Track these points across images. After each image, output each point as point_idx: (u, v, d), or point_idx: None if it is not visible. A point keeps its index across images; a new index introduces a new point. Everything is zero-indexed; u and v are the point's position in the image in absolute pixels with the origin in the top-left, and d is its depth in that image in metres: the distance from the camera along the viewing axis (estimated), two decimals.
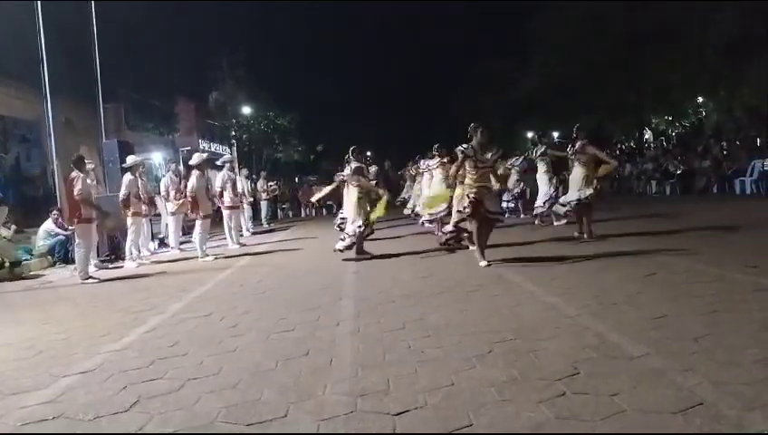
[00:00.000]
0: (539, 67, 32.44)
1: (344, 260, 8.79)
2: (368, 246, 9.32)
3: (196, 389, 3.36)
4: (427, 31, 62.26)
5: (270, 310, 5.52)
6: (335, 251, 8.87)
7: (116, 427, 2.89)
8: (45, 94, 12.89)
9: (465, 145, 7.37)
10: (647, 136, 34.82)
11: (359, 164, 9.36)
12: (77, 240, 8.97)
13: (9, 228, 11.28)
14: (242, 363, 3.81)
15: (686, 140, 29.20)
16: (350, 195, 9.53)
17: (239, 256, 10.89)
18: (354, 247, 8.97)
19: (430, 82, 59.84)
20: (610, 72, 28.16)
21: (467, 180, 7.42)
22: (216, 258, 10.41)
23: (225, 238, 12.89)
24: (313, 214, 26.64)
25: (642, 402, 2.71)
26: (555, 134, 33.72)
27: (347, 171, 9.57)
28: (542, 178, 12.13)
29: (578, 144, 9.38)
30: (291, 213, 26.79)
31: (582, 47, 28.51)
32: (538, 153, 12.27)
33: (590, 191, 9.09)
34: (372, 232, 9.39)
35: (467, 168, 7.38)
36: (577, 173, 9.32)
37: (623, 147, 34.86)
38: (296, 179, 34.05)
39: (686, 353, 3.35)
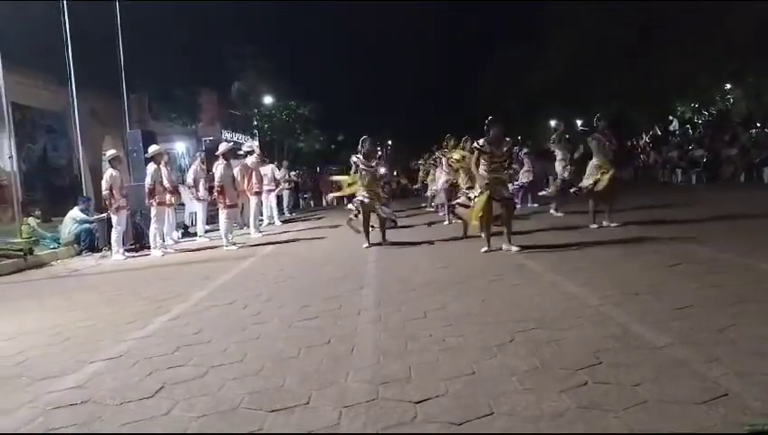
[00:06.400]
0: (558, 53, 31.95)
1: (365, 248, 8.83)
2: (387, 234, 9.38)
3: (219, 375, 3.41)
4: (445, 20, 61.75)
5: (292, 298, 5.57)
6: (365, 247, 8.93)
7: (142, 412, 2.95)
8: (71, 85, 13.07)
9: (480, 141, 7.61)
10: (672, 124, 34.15)
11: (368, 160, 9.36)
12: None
13: (37, 218, 11.52)
14: (265, 351, 3.85)
15: (712, 128, 28.58)
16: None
17: (262, 244, 10.98)
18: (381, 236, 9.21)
19: (449, 69, 59.55)
20: (632, 57, 27.60)
21: (482, 171, 7.59)
22: (239, 247, 10.51)
23: (249, 226, 13.01)
24: (335, 203, 26.68)
25: (665, 393, 2.69)
26: (579, 122, 33.28)
27: (360, 159, 9.55)
28: (558, 164, 12.17)
29: (596, 133, 9.35)
30: (312, 202, 26.83)
31: (602, 32, 27.97)
32: (555, 142, 12.44)
33: (600, 179, 9.05)
34: (394, 223, 9.48)
35: (482, 161, 7.58)
36: (593, 161, 9.30)
37: (648, 136, 34.28)
38: (317, 169, 34.14)
39: (711, 344, 3.31)
